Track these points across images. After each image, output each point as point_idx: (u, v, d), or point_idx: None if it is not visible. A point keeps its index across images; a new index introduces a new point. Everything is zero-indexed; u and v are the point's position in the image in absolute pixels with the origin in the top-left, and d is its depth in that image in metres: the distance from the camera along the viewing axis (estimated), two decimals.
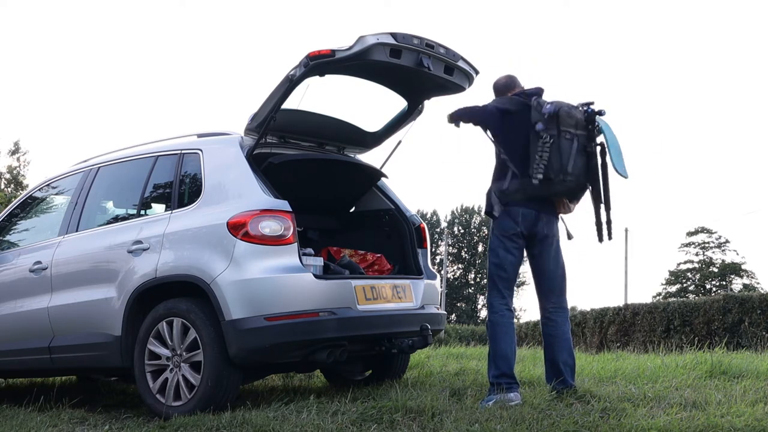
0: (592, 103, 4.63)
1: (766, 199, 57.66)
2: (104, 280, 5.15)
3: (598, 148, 4.64)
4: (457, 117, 4.79)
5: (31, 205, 6.38)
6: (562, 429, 3.81)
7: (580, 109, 4.62)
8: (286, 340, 4.54)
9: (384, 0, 71.22)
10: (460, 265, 59.77)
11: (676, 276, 50.97)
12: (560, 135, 4.49)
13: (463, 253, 59.79)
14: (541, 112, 4.51)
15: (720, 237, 50.50)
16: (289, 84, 4.75)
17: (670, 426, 3.80)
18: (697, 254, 50.98)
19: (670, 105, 74.74)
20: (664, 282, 51.33)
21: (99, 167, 5.81)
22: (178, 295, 4.83)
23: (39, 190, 6.36)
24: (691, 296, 41.96)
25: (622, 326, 18.56)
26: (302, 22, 70.76)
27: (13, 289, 5.80)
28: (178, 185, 5.17)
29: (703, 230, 50.57)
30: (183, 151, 5.26)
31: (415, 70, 4.95)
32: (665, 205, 73.40)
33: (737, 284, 49.01)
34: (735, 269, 49.55)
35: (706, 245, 50.86)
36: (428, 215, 57.51)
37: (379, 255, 5.65)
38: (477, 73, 5.23)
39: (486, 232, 56.75)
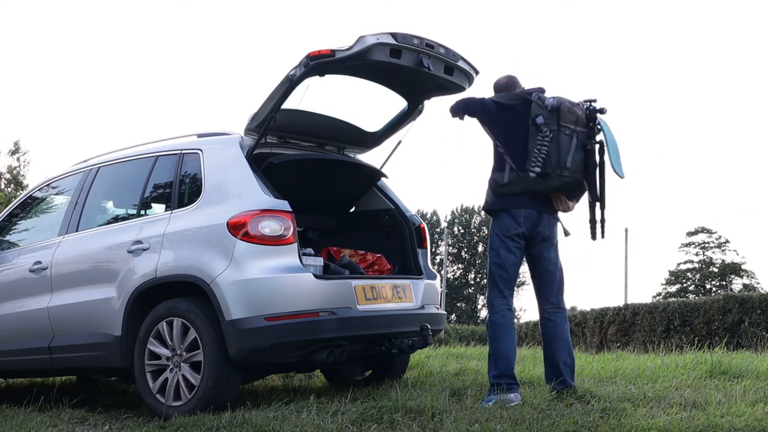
0: (594, 101, 4.64)
1: (766, 199, 57.73)
2: (104, 280, 5.15)
3: (597, 146, 4.64)
4: (457, 110, 4.79)
5: (31, 205, 6.38)
6: (562, 429, 3.81)
7: (582, 106, 4.63)
8: (286, 340, 4.54)
9: (384, 0, 71.23)
10: (460, 265, 59.77)
11: (676, 276, 50.97)
12: (560, 130, 4.50)
13: (463, 253, 59.79)
14: (542, 106, 4.51)
15: (720, 237, 50.54)
16: (289, 84, 4.75)
17: (670, 426, 3.80)
18: (697, 254, 50.99)
19: (670, 105, 74.81)
20: (664, 282, 51.37)
21: (99, 167, 5.81)
22: (178, 295, 4.83)
23: (39, 190, 6.36)
24: (691, 296, 41.96)
25: (622, 326, 18.56)
26: (302, 22, 70.82)
27: (13, 289, 5.80)
28: (178, 185, 5.17)
29: (703, 230, 50.59)
30: (183, 151, 5.26)
31: (415, 70, 4.95)
32: (665, 205, 73.47)
33: (737, 284, 49.03)
34: (735, 269, 49.55)
35: (706, 245, 50.88)
36: (428, 215, 57.51)
37: (379, 255, 5.65)
38: (477, 73, 5.23)
39: (486, 232, 56.74)
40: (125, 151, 5.79)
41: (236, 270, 4.55)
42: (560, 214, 4.81)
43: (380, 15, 70.23)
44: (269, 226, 4.62)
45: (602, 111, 4.63)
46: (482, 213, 56.93)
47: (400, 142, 5.84)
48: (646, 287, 75.20)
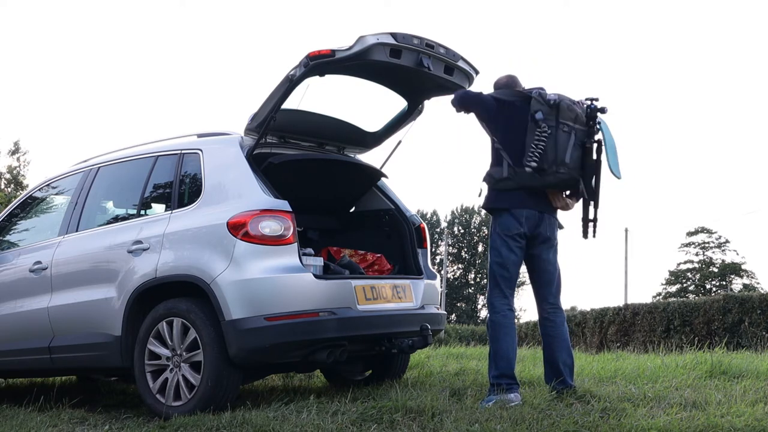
0: (596, 100, 4.63)
1: (766, 199, 57.72)
2: (104, 280, 5.15)
3: (595, 145, 4.64)
4: (456, 102, 4.79)
5: (31, 205, 6.38)
6: (562, 429, 3.81)
7: (583, 104, 4.63)
8: (286, 340, 4.54)
9: (384, 0, 71.23)
10: (460, 265, 59.76)
11: (676, 276, 50.98)
12: (558, 127, 4.50)
13: (463, 253, 59.78)
14: (541, 102, 4.51)
15: (720, 237, 50.54)
16: (289, 84, 4.75)
17: (670, 426, 3.80)
18: (697, 254, 51.00)
19: (671, 105, 74.81)
20: (664, 282, 51.38)
21: (99, 167, 5.81)
22: (178, 295, 4.83)
23: (39, 190, 6.36)
24: (691, 296, 41.96)
25: (622, 326, 18.56)
26: (302, 22, 70.80)
27: (13, 289, 5.80)
28: (178, 185, 5.17)
29: (703, 230, 50.60)
30: (183, 151, 5.26)
31: (415, 70, 4.95)
32: (665, 205, 73.46)
33: (737, 284, 49.04)
34: (735, 269, 49.56)
35: (706, 245, 50.88)
36: (428, 215, 57.50)
37: (379, 255, 5.65)
38: (477, 73, 5.23)
39: (486, 232, 56.73)
40: (125, 151, 5.79)
41: (236, 270, 4.55)
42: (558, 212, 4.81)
43: (380, 15, 70.28)
44: (269, 226, 4.62)
45: (603, 110, 4.63)
46: (482, 213, 57.15)
47: (400, 142, 5.85)
48: (646, 287, 75.28)
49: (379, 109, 5.64)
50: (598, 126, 4.63)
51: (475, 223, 59.77)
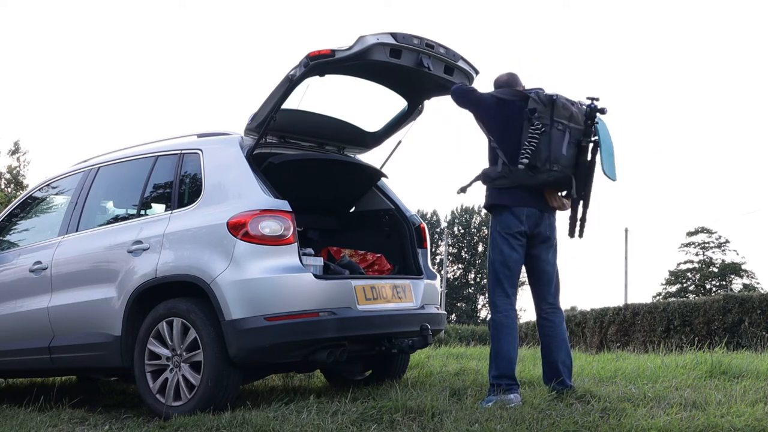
0: (597, 99, 4.63)
1: (766, 199, 57.72)
2: (104, 280, 5.15)
3: (591, 145, 4.63)
4: (456, 98, 4.80)
5: (31, 205, 6.38)
6: (562, 429, 3.81)
7: (582, 104, 4.63)
8: (286, 340, 4.54)
9: (384, 0, 71.24)
10: (460, 265, 59.75)
11: (676, 276, 50.98)
12: (552, 125, 4.49)
13: (463, 253, 59.77)
14: (537, 101, 4.51)
15: (720, 237, 50.56)
16: (289, 84, 4.75)
17: (670, 426, 3.80)
18: (697, 254, 51.00)
19: (671, 105, 74.81)
20: (664, 282, 51.39)
21: (99, 167, 5.81)
22: (178, 295, 4.83)
23: (39, 190, 6.36)
24: (691, 296, 41.97)
25: (622, 326, 18.56)
26: (302, 22, 70.80)
27: (13, 289, 5.80)
28: (178, 185, 5.17)
29: (703, 230, 50.60)
30: (183, 151, 5.26)
31: (415, 70, 4.96)
32: (665, 205, 73.45)
33: (737, 284, 49.05)
34: (735, 269, 49.56)
35: (706, 245, 50.89)
36: (428, 215, 57.50)
37: (379, 255, 5.65)
38: (477, 73, 5.23)
39: (486, 232, 56.73)
40: (125, 151, 5.79)
41: (236, 270, 4.55)
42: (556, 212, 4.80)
43: (380, 15, 70.29)
44: (269, 226, 4.62)
45: (603, 111, 4.62)
46: (482, 213, 57.12)
47: (400, 142, 5.85)
48: (646, 287, 75.27)
49: (379, 109, 5.64)
50: (595, 126, 4.61)
51: (475, 223, 59.76)
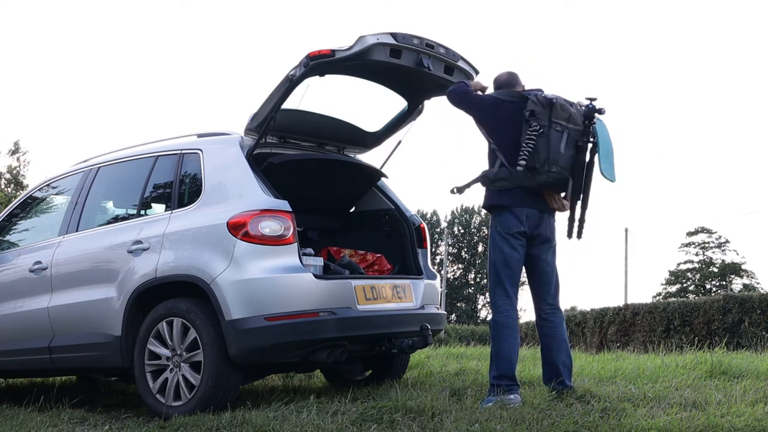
0: (594, 99, 4.63)
1: (766, 199, 57.72)
2: (104, 280, 5.15)
3: (589, 146, 4.62)
4: (452, 99, 4.79)
5: (31, 205, 6.38)
6: (562, 429, 3.81)
7: (581, 105, 4.62)
8: (286, 340, 4.54)
9: (384, 0, 71.24)
10: (460, 265, 59.75)
11: (676, 276, 50.98)
12: (551, 126, 4.49)
13: (463, 253, 59.77)
14: (536, 102, 4.51)
15: (720, 237, 50.54)
16: (289, 84, 4.75)
17: (670, 426, 3.80)
18: (697, 254, 51.00)
19: (671, 105, 74.81)
20: (664, 282, 51.38)
21: (99, 167, 5.81)
22: (178, 295, 4.83)
23: (39, 190, 6.36)
24: (691, 296, 41.97)
25: (622, 326, 18.56)
26: (302, 22, 70.79)
27: (13, 289, 5.80)
28: (178, 185, 5.17)
29: (703, 230, 50.60)
30: (183, 151, 5.26)
31: (415, 70, 4.96)
32: (665, 205, 73.43)
33: (737, 284, 49.04)
34: (735, 269, 49.56)
35: (706, 245, 50.88)
36: (428, 215, 57.49)
37: (379, 255, 5.65)
38: (477, 72, 5.23)
39: (486, 232, 56.72)
40: (125, 151, 5.79)
41: (236, 270, 4.55)
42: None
43: (380, 15, 70.27)
44: (269, 226, 4.62)
45: (601, 111, 4.61)
46: (482, 213, 57.16)
47: (400, 142, 5.85)
48: (646, 287, 75.27)
49: (379, 109, 5.64)
50: (594, 126, 4.61)
51: (475, 223, 59.75)
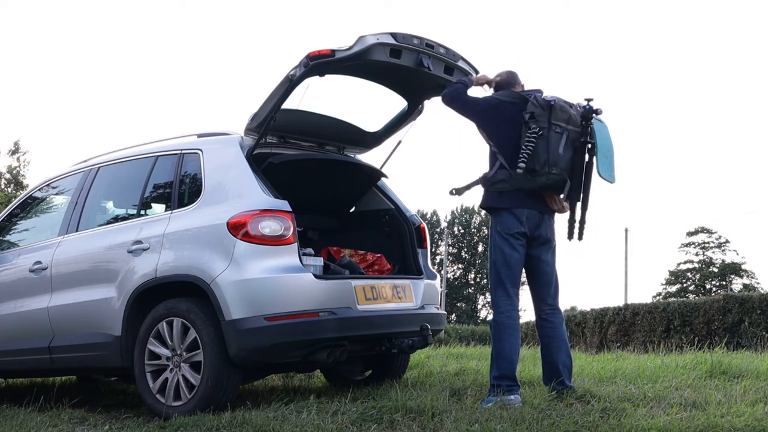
0: (591, 100, 4.63)
1: (766, 199, 57.72)
2: (104, 280, 5.15)
3: (587, 147, 4.61)
4: (446, 102, 4.77)
5: (31, 205, 6.38)
6: (562, 429, 3.81)
7: (578, 106, 4.62)
8: (286, 340, 4.54)
9: (384, 0, 71.24)
10: (460, 265, 59.75)
11: (676, 276, 50.98)
12: (550, 128, 4.49)
13: (463, 253, 59.77)
14: (536, 104, 4.51)
15: (720, 237, 50.55)
16: (289, 84, 4.75)
17: (670, 426, 3.80)
18: (697, 254, 51.00)
19: (671, 105, 74.82)
20: (664, 282, 51.38)
21: (99, 167, 5.81)
22: (178, 295, 4.83)
23: (39, 190, 6.36)
24: (691, 296, 41.97)
25: (622, 326, 18.57)
26: (302, 22, 70.81)
27: (13, 289, 5.80)
28: (178, 185, 5.17)
29: (703, 230, 50.60)
30: (183, 151, 5.26)
31: (415, 70, 4.96)
32: (665, 205, 73.44)
33: (737, 284, 49.04)
34: (735, 269, 49.56)
35: (706, 245, 50.89)
36: (428, 215, 57.50)
37: (379, 255, 5.65)
38: (477, 73, 5.22)
39: (486, 232, 56.71)
40: (125, 151, 5.79)
41: (236, 270, 4.55)
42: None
43: (380, 15, 70.27)
44: (269, 226, 4.62)
45: (597, 112, 4.61)
46: (482, 213, 57.12)
47: (400, 142, 5.85)
48: (646, 287, 75.28)
49: (379, 109, 5.64)
50: (591, 127, 4.60)
51: (475, 223, 59.76)
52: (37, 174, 44.97)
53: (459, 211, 60.12)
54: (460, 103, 4.76)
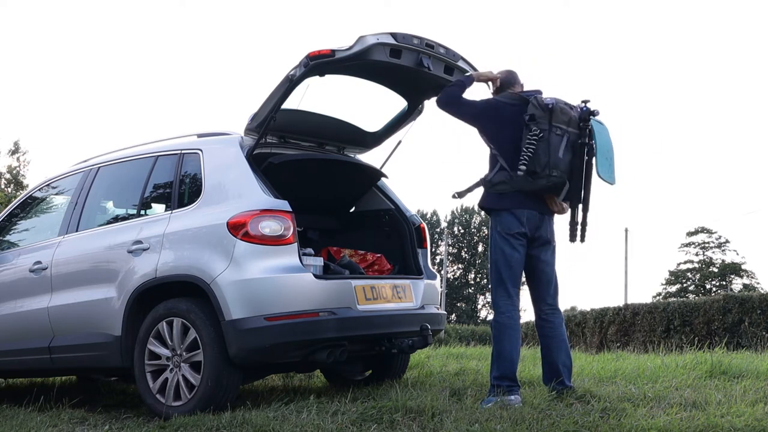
0: (588, 101, 4.63)
1: (766, 199, 57.72)
2: (104, 280, 5.15)
3: (586, 148, 4.60)
4: (441, 105, 4.75)
5: (31, 205, 6.38)
6: (562, 429, 3.81)
7: (577, 107, 4.62)
8: (286, 340, 4.54)
9: (384, 0, 71.23)
10: (460, 265, 59.75)
11: (676, 276, 50.97)
12: (551, 130, 4.48)
13: (463, 253, 59.77)
14: (537, 106, 4.50)
15: (720, 237, 50.55)
16: (289, 84, 4.75)
17: (670, 426, 3.80)
18: (697, 254, 51.00)
19: (670, 105, 74.81)
20: (664, 282, 51.38)
21: (99, 167, 5.81)
22: (178, 295, 4.83)
23: (39, 190, 6.36)
24: (691, 296, 41.96)
25: (622, 326, 18.56)
26: (302, 22, 70.80)
27: (13, 289, 5.80)
28: (178, 185, 5.17)
29: (703, 230, 50.60)
30: (183, 151, 5.26)
31: (415, 70, 4.96)
32: (665, 205, 73.45)
33: (737, 284, 49.04)
34: (735, 269, 49.56)
35: (706, 245, 50.88)
36: (428, 215, 57.50)
37: (379, 255, 5.65)
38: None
39: (486, 232, 56.71)
40: (125, 151, 5.79)
41: (236, 270, 4.55)
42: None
43: (380, 15, 70.27)
44: (269, 226, 4.62)
45: (594, 113, 4.61)
46: (482, 213, 57.04)
47: (400, 142, 5.85)
48: (646, 287, 75.28)
49: (379, 109, 5.64)
50: (590, 128, 4.59)
51: (475, 223, 59.76)
52: (37, 174, 45.01)
53: (459, 211, 60.14)
54: (455, 106, 4.74)
